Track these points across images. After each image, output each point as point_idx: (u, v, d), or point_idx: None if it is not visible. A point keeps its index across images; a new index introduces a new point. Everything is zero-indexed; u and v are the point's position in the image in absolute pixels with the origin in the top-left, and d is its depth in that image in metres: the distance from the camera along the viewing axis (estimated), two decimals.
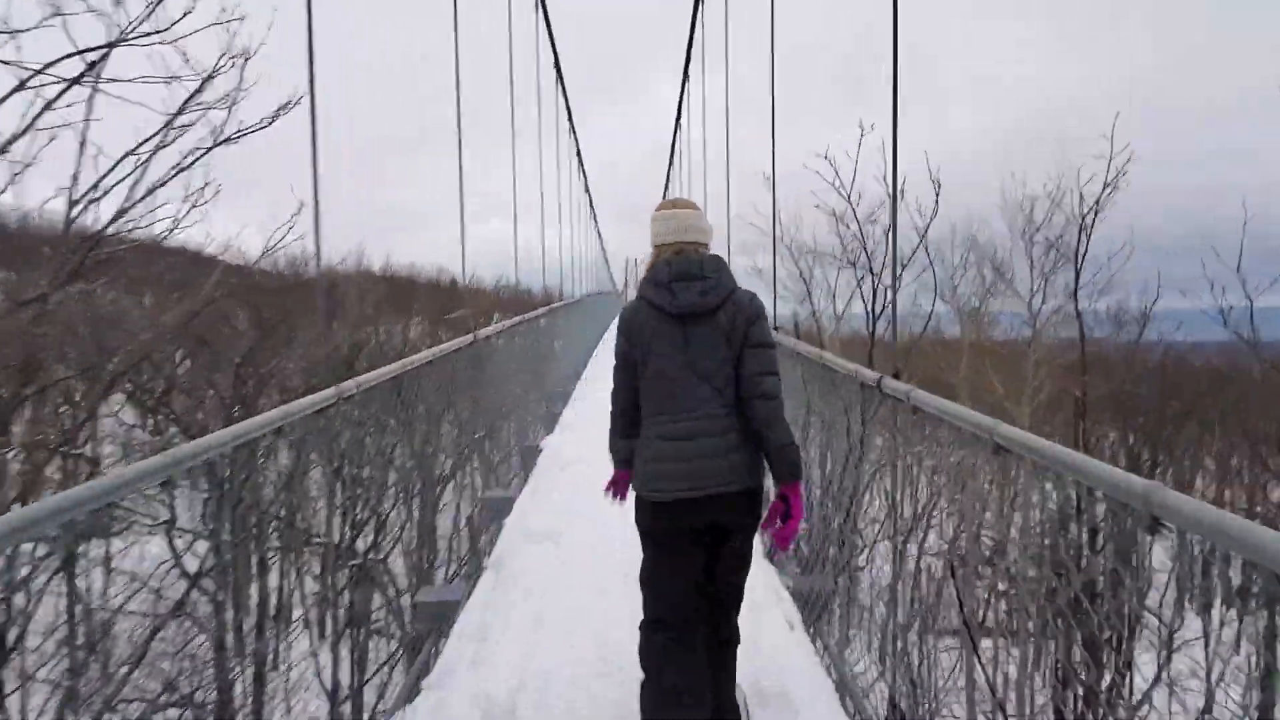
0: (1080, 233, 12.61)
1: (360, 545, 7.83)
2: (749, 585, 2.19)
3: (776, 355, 2.08)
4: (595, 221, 21.25)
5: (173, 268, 11.21)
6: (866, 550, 4.23)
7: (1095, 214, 12.36)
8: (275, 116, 6.67)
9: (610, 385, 2.17)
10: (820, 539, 3.45)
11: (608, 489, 2.28)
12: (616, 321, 2.11)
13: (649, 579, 2.10)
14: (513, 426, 6.10)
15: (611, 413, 2.17)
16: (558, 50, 10.21)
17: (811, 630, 3.13)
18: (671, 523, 2.02)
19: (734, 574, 2.13)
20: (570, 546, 4.00)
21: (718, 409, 1.98)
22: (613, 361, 2.13)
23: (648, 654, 2.06)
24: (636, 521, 2.10)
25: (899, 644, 2.85)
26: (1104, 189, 12.16)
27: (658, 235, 2.11)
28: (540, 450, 6.27)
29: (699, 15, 9.49)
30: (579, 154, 15.58)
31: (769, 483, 2.08)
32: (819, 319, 14.59)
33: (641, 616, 2.11)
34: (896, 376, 2.62)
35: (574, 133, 14.04)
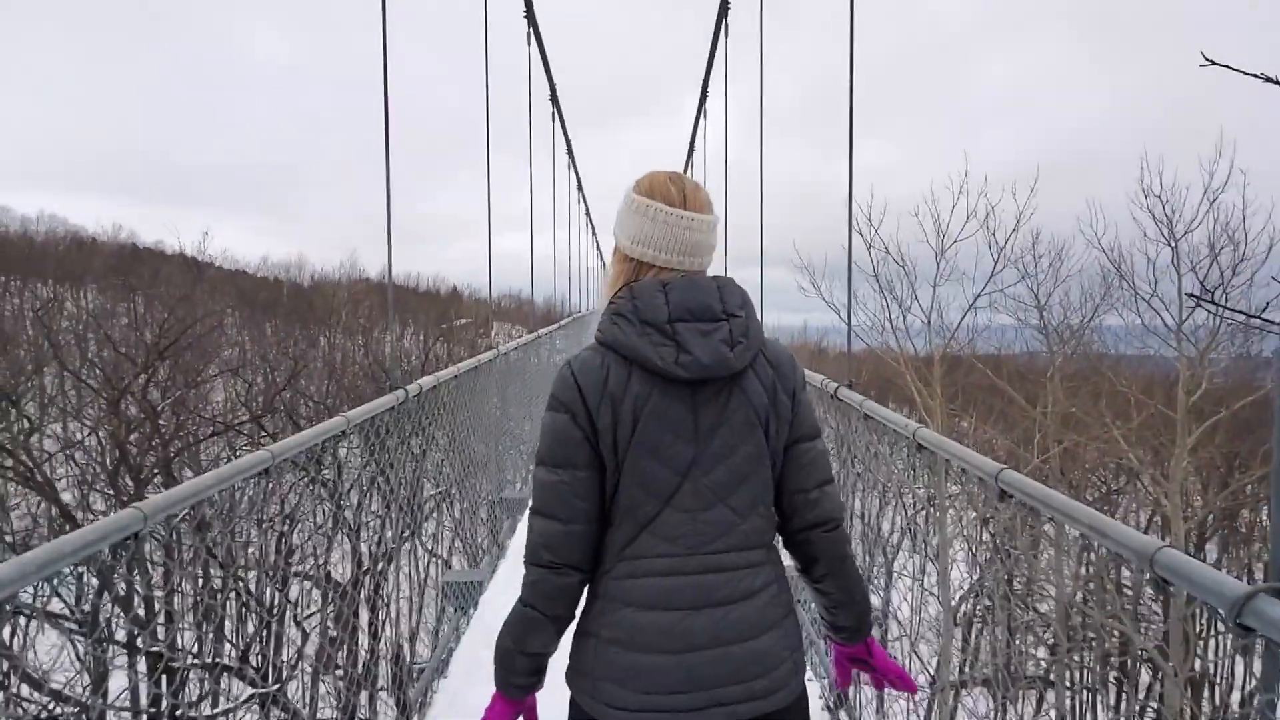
0: None
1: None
2: None
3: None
4: (594, 235, 20.64)
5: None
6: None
7: None
8: None
9: None
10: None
11: None
12: (553, 392, 1.18)
13: None
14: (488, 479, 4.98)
15: (535, 581, 1.15)
16: (554, 82, 10.20)
17: None
18: None
19: None
20: None
21: (749, 546, 1.15)
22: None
23: None
24: None
25: None
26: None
27: (647, 244, 1.19)
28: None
29: (721, 34, 8.85)
30: (576, 173, 14.95)
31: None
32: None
33: None
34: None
35: (570, 154, 13.45)
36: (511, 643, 1.15)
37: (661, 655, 1.10)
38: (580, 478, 1.12)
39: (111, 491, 12.20)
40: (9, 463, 10.98)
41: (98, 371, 12.42)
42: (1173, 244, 10.60)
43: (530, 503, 1.17)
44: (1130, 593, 11.21)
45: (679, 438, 1.12)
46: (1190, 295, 9.94)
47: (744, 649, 1.12)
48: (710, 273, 1.23)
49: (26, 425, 12.39)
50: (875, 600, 3.39)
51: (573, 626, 1.18)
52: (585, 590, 1.17)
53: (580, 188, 16.15)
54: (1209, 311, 9.29)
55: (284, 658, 10.47)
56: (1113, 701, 12.22)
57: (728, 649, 1.11)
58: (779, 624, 1.16)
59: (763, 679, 1.12)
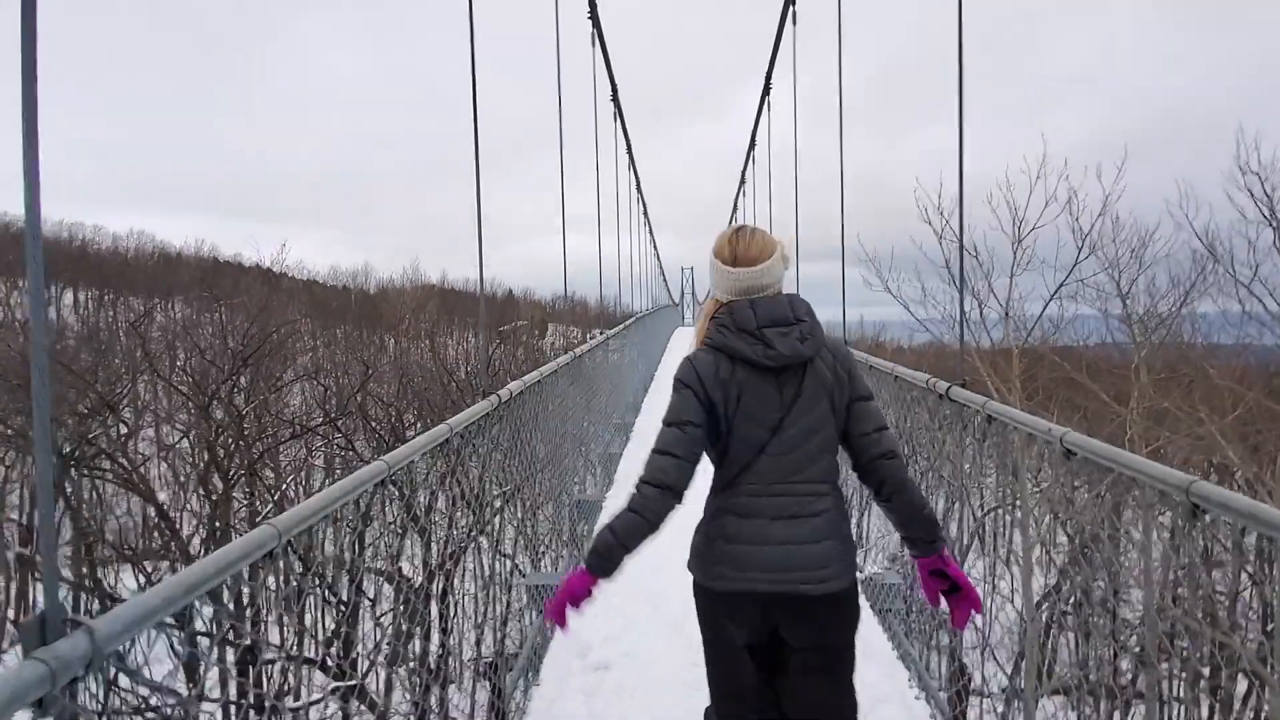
0: None
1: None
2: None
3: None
4: (651, 235, 20.72)
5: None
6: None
7: None
8: None
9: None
10: None
11: (558, 605, 1.63)
12: (678, 376, 1.67)
13: (711, 675, 1.76)
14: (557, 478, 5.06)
15: (645, 494, 1.61)
16: (615, 81, 10.40)
17: None
18: (737, 621, 1.68)
19: (829, 694, 1.69)
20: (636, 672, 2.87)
21: (817, 482, 1.65)
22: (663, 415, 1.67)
23: None
24: (697, 608, 1.75)
25: None
26: None
27: (717, 288, 1.74)
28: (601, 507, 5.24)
29: (784, 28, 8.80)
30: (635, 173, 15.01)
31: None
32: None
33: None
34: None
35: (630, 154, 13.56)
36: (617, 540, 1.59)
37: (750, 546, 1.62)
38: (694, 434, 1.62)
39: (203, 491, 12.93)
40: (107, 465, 11.77)
41: (188, 379, 13.19)
42: (1274, 224, 9.88)
43: (654, 446, 1.62)
44: (1225, 597, 10.54)
45: (769, 407, 1.62)
46: None
47: (802, 549, 1.61)
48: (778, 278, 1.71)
49: (124, 430, 13.24)
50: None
51: (690, 529, 1.71)
52: (678, 510, 1.63)
53: (639, 188, 16.24)
54: None
55: (359, 651, 10.91)
56: (1205, 715, 11.51)
57: (794, 547, 1.61)
58: (832, 537, 1.64)
59: (818, 570, 1.61)
